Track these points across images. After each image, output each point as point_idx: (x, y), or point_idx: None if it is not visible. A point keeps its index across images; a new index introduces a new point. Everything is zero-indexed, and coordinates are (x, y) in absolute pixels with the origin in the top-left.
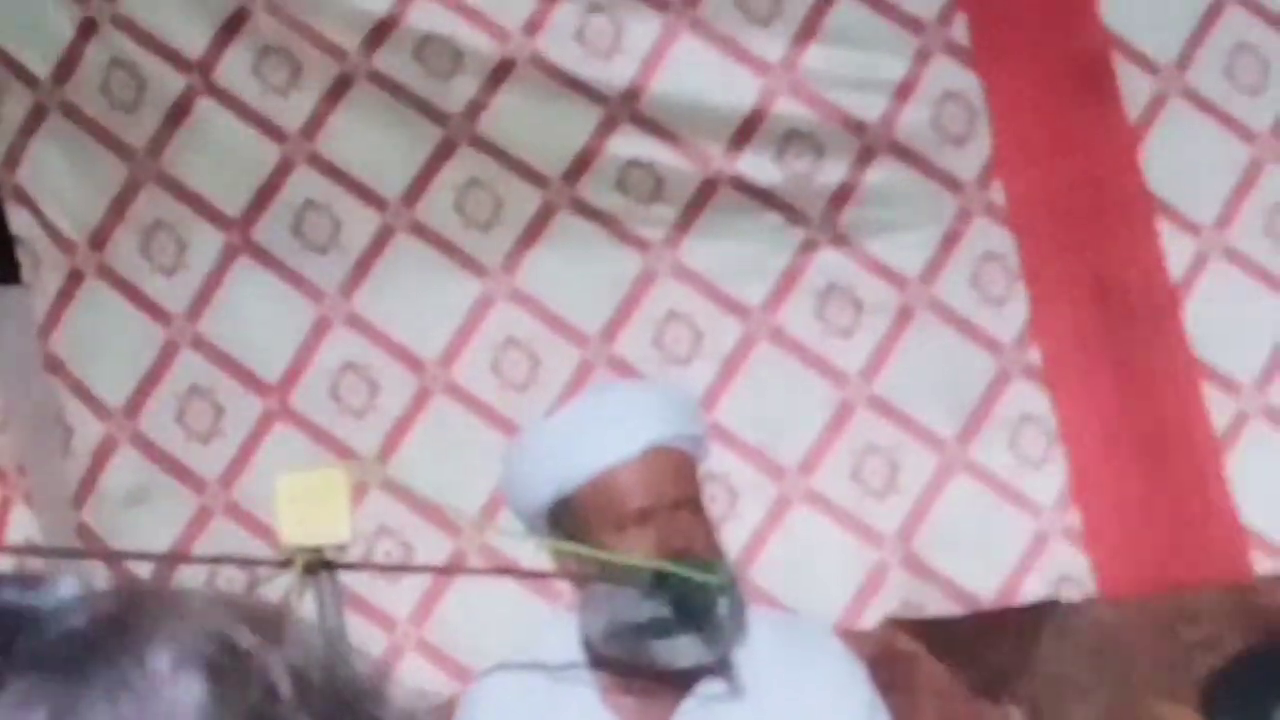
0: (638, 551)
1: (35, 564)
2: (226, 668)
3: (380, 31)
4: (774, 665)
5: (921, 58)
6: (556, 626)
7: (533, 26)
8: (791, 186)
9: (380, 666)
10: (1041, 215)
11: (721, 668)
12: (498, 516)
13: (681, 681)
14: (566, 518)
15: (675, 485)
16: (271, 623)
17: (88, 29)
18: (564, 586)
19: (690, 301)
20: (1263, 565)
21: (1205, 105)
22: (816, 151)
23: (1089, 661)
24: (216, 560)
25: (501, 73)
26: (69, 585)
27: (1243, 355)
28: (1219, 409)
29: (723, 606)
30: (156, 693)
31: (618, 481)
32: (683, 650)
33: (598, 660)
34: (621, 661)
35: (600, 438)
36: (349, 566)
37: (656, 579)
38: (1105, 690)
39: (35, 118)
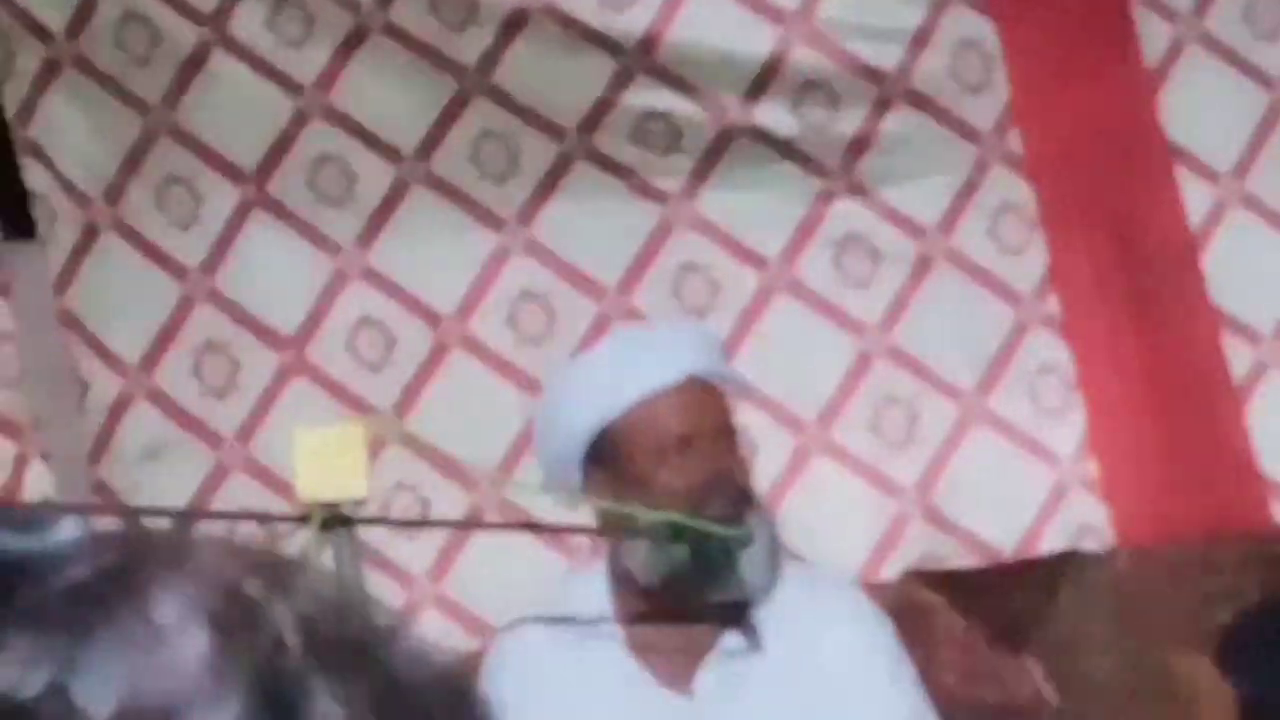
0: (679, 479)
1: None
2: (232, 618)
3: None
4: (798, 619)
5: (938, 6)
6: (581, 580)
7: None
8: (808, 136)
9: (396, 615)
10: (1059, 164)
11: (746, 621)
12: (515, 471)
13: (708, 635)
14: (607, 449)
15: (715, 413)
16: (279, 572)
17: None
18: (582, 541)
19: (707, 253)
20: None
21: (1224, 52)
22: (833, 101)
23: (1107, 613)
24: (233, 516)
25: (516, 24)
26: (70, 528)
27: (1263, 305)
28: (1238, 359)
29: (750, 555)
30: (161, 645)
31: (660, 407)
32: (715, 592)
33: (624, 614)
34: (648, 613)
35: (643, 366)
36: (367, 521)
37: (679, 530)
38: (1124, 641)
39: (49, 72)
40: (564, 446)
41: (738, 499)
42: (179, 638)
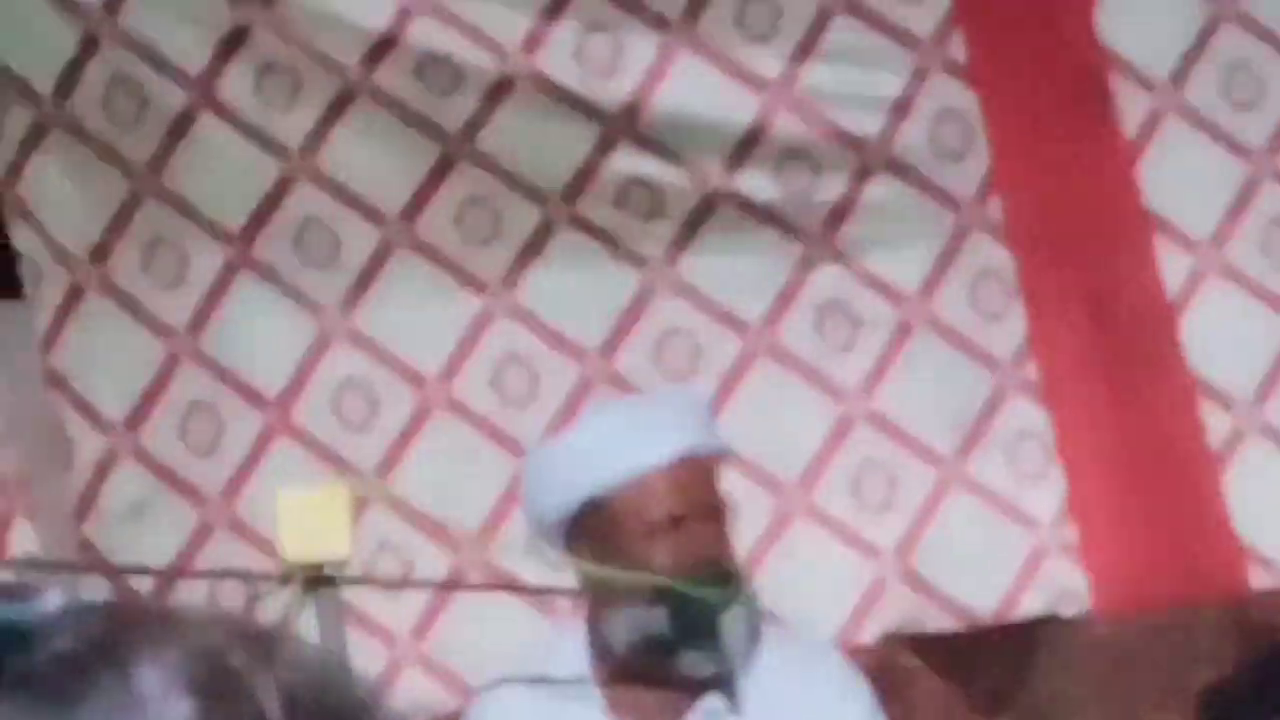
0: (667, 558)
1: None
2: (215, 688)
3: (380, 49)
4: (777, 681)
5: (919, 75)
6: (562, 641)
7: (532, 44)
8: (790, 203)
9: (376, 685)
10: (1039, 232)
11: (725, 683)
12: (498, 532)
13: (686, 697)
14: (594, 522)
15: (707, 492)
16: (263, 642)
17: (90, 45)
18: (565, 602)
19: (689, 318)
20: (1259, 580)
21: (1202, 122)
22: (815, 168)
23: (1086, 677)
24: (217, 575)
25: (501, 90)
26: (56, 598)
27: (1240, 372)
28: (1216, 425)
29: (729, 622)
30: (144, 714)
31: (654, 485)
32: (692, 663)
33: (603, 675)
34: (628, 675)
35: (639, 441)
36: (350, 581)
37: (662, 594)
38: (1103, 706)
39: (37, 133)
40: (551, 514)
41: (724, 578)
42: (162, 706)
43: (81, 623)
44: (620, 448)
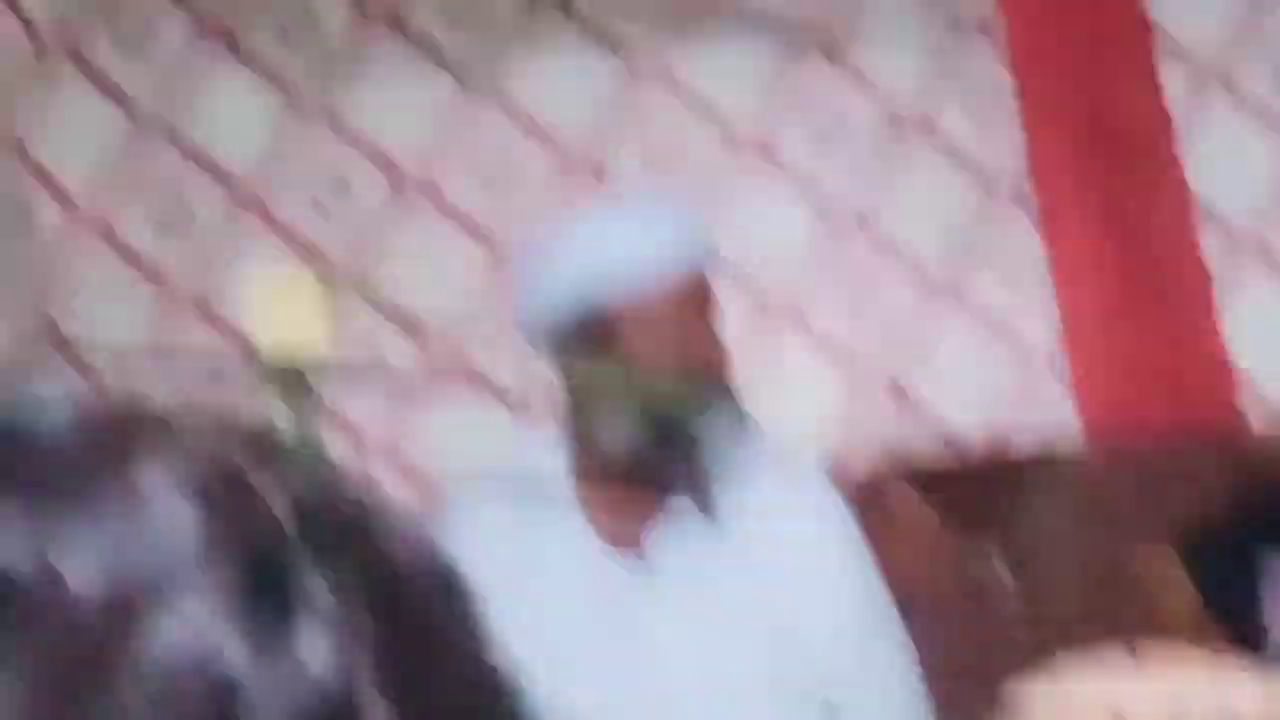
0: (671, 361)
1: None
2: (225, 496)
3: None
4: (756, 495)
5: None
6: (534, 439)
7: None
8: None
9: (375, 492)
10: (1041, 47)
11: (702, 490)
12: (473, 326)
13: (658, 496)
14: (599, 325)
15: (711, 304)
16: (269, 447)
17: None
18: (535, 400)
19: (676, 113)
20: (1254, 414)
21: None
22: None
23: (1074, 511)
24: (191, 361)
25: None
26: (54, 396)
27: (1241, 197)
28: (1215, 253)
29: (715, 429)
30: (151, 522)
31: (667, 296)
32: (672, 466)
33: (578, 475)
34: (605, 477)
35: (649, 249)
36: (324, 370)
37: (649, 397)
38: (1088, 540)
39: None
40: (544, 312)
41: (722, 383)
42: (169, 514)
43: (82, 423)
44: (626, 257)
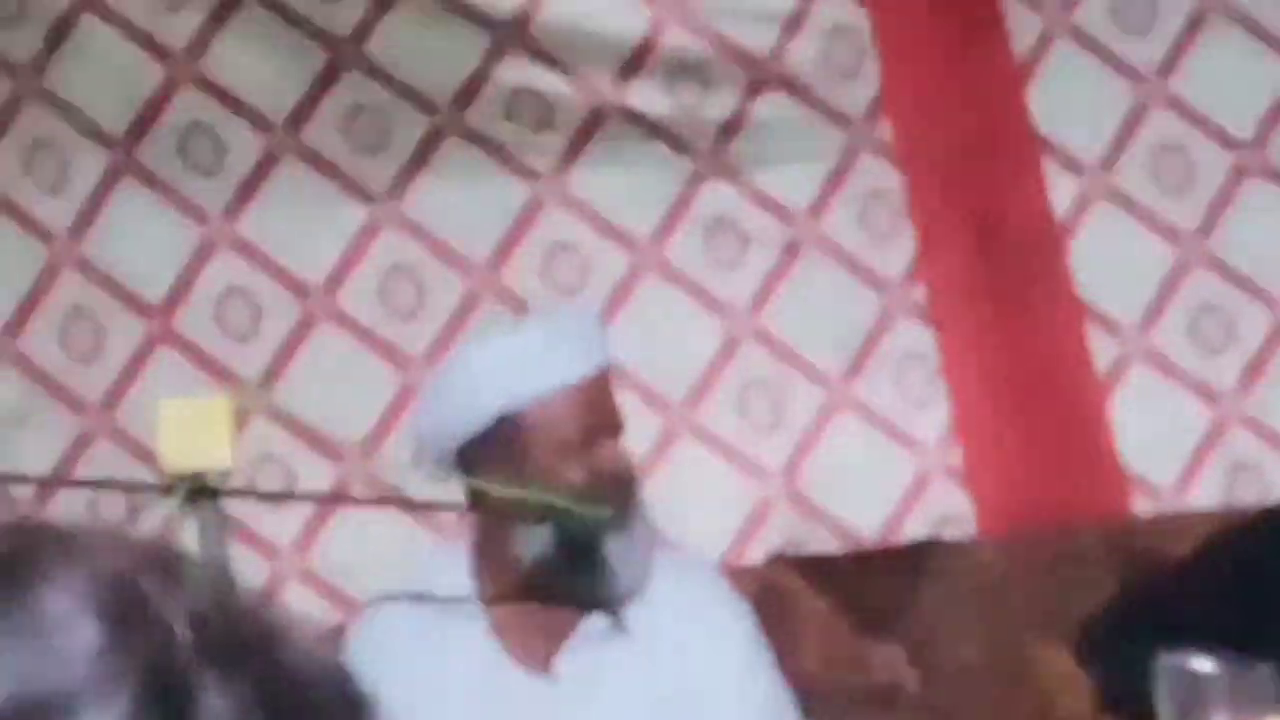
0: (578, 474)
1: None
2: (124, 612)
3: None
4: (661, 605)
5: None
6: (445, 559)
7: None
8: (680, 117)
9: (275, 606)
10: (928, 153)
11: (615, 604)
12: (383, 444)
13: (571, 618)
14: (503, 439)
15: (612, 409)
16: (169, 565)
17: None
18: (449, 518)
19: (578, 232)
20: (1142, 506)
21: (1092, 44)
22: (705, 83)
23: (970, 601)
24: (99, 485)
25: None
26: None
27: (1126, 297)
28: (1102, 350)
29: (624, 542)
30: (51, 638)
31: (568, 402)
32: (583, 583)
33: (488, 594)
34: (515, 595)
35: (554, 358)
36: (233, 493)
37: (557, 513)
38: (984, 629)
39: None
40: (457, 429)
41: (629, 494)
42: (69, 630)
43: None
44: (536, 365)
